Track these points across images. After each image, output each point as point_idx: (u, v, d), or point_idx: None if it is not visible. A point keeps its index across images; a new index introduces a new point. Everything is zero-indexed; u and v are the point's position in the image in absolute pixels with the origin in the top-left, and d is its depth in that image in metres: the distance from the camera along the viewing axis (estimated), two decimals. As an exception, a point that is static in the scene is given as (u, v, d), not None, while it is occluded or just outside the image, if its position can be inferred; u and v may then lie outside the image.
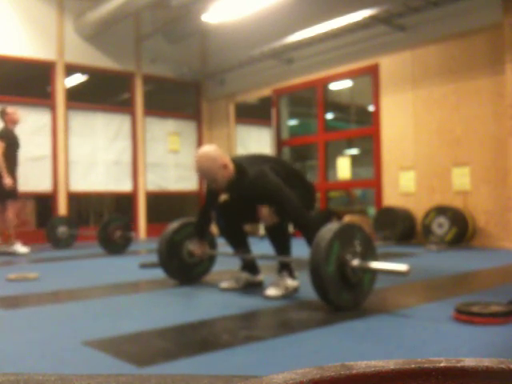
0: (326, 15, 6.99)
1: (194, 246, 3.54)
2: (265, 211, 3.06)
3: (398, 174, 6.59)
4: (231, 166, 3.10)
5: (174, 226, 3.64)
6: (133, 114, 8.82)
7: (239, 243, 3.45)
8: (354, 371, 0.31)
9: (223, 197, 3.48)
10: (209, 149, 3.11)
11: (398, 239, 6.32)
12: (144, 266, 4.61)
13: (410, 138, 6.46)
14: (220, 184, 3.12)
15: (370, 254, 2.73)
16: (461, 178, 5.94)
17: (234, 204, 3.42)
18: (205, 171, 3.07)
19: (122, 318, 2.67)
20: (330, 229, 2.64)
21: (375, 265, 2.67)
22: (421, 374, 0.31)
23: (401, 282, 3.42)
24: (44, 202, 8.13)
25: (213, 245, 3.76)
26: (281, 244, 3.19)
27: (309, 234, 2.88)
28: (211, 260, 3.79)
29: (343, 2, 7.08)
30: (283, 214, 3.06)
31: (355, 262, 2.62)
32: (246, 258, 3.45)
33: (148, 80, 9.07)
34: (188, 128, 9.58)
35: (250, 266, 3.46)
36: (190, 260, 3.62)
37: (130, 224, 6.38)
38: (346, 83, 8.50)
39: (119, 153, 8.69)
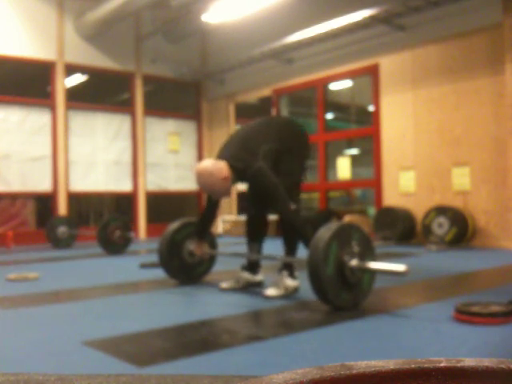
0: (326, 15, 6.99)
1: (194, 246, 3.54)
2: None
3: (398, 174, 6.60)
4: (229, 174, 3.09)
5: (174, 225, 3.64)
6: (133, 114, 8.83)
7: (256, 239, 3.45)
8: (354, 371, 0.31)
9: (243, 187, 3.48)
10: (207, 164, 3.10)
11: (398, 239, 6.32)
12: (144, 266, 4.61)
13: (410, 138, 6.46)
14: (220, 195, 3.16)
15: (368, 254, 2.73)
16: (461, 178, 5.94)
17: (256, 193, 3.41)
18: (205, 186, 3.13)
19: (122, 318, 2.67)
20: (327, 229, 2.64)
21: (374, 265, 2.67)
22: (421, 374, 0.31)
23: (401, 282, 3.42)
24: (44, 202, 8.14)
25: (213, 245, 3.76)
26: (292, 239, 3.21)
27: (301, 235, 2.92)
28: (212, 260, 3.79)
29: (343, 2, 7.09)
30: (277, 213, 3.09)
31: (354, 263, 2.62)
32: (251, 258, 3.45)
33: (148, 80, 9.07)
34: (188, 128, 9.58)
35: (253, 265, 3.46)
36: (190, 260, 3.62)
37: (129, 224, 6.38)
38: (346, 83, 8.50)
39: (119, 153, 8.69)
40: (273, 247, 3.35)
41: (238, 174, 3.12)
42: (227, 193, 3.14)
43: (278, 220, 3.32)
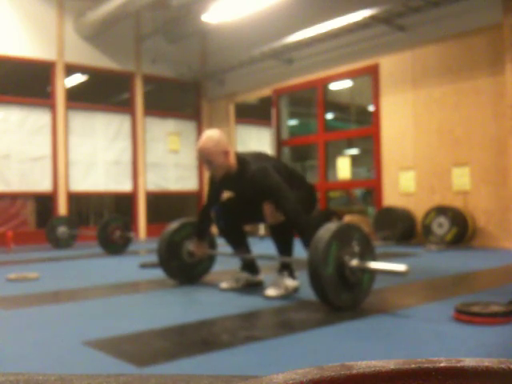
0: (326, 15, 6.99)
1: (193, 247, 3.54)
2: (269, 209, 3.06)
3: (397, 174, 6.60)
4: (233, 156, 3.14)
5: (173, 226, 3.64)
6: (133, 114, 8.83)
7: (239, 243, 3.45)
8: (354, 371, 0.31)
9: (225, 195, 3.48)
10: (213, 133, 3.17)
11: (398, 239, 6.32)
12: (144, 266, 4.61)
13: (410, 138, 6.46)
14: (217, 169, 3.13)
15: (368, 253, 2.73)
16: (461, 178, 5.94)
17: (235, 204, 3.41)
18: (205, 153, 3.10)
19: (122, 318, 2.67)
20: (327, 229, 2.64)
21: (374, 265, 2.66)
22: (421, 373, 0.31)
23: (401, 282, 3.42)
24: (44, 202, 8.14)
25: (213, 245, 3.76)
26: (283, 243, 3.19)
27: (304, 234, 2.89)
28: (211, 260, 3.79)
29: (343, 2, 7.08)
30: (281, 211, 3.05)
31: (354, 263, 2.62)
32: (245, 258, 3.45)
33: (148, 80, 9.07)
34: (188, 128, 9.58)
35: (250, 266, 3.46)
36: (189, 260, 3.62)
37: (129, 224, 6.38)
38: (346, 83, 8.50)
39: (119, 153, 8.70)
40: (273, 247, 3.35)
41: (240, 166, 3.12)
42: (221, 169, 3.12)
43: (266, 223, 3.27)
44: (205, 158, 3.13)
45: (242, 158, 3.15)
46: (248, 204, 3.29)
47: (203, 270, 3.74)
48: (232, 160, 3.13)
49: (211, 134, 3.14)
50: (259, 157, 3.24)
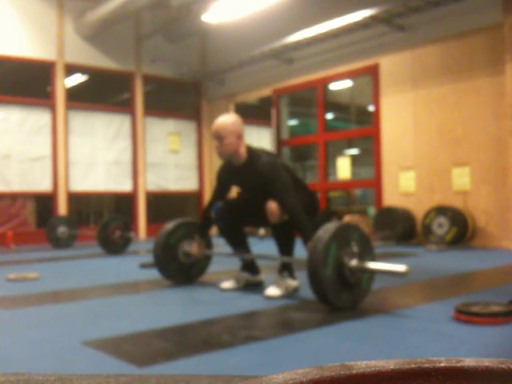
0: (326, 15, 6.99)
1: (190, 247, 3.54)
2: (273, 208, 3.06)
3: (397, 174, 6.59)
4: (244, 146, 3.19)
5: (167, 228, 3.61)
6: (133, 114, 8.82)
7: (239, 243, 3.46)
8: (354, 371, 0.31)
9: (233, 193, 3.49)
10: (233, 115, 3.27)
11: (398, 239, 6.31)
12: (144, 266, 4.61)
13: (410, 138, 6.46)
14: (225, 151, 3.16)
15: (367, 254, 2.73)
16: (461, 178, 5.94)
17: (236, 204, 3.42)
18: (219, 127, 3.16)
19: (122, 318, 2.67)
20: (327, 230, 2.64)
21: (373, 265, 2.66)
22: (421, 373, 0.31)
23: (400, 282, 3.42)
24: (44, 202, 8.14)
25: (209, 245, 3.76)
26: (285, 243, 3.20)
27: (304, 232, 2.89)
28: (208, 259, 3.78)
29: (343, 2, 7.08)
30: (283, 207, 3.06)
31: (353, 263, 2.62)
32: (245, 258, 3.45)
33: (148, 80, 9.07)
34: (188, 128, 9.58)
35: (250, 266, 3.46)
36: (186, 260, 3.61)
37: (129, 224, 6.38)
38: (346, 83, 8.50)
39: (119, 153, 8.69)
40: (273, 247, 3.35)
41: (250, 157, 3.16)
42: (228, 150, 3.16)
43: (267, 226, 3.28)
44: (217, 134, 3.17)
45: (253, 151, 3.20)
46: (249, 204, 3.29)
47: (201, 269, 3.74)
48: (242, 148, 3.18)
49: (231, 115, 3.26)
50: (269, 153, 3.29)
